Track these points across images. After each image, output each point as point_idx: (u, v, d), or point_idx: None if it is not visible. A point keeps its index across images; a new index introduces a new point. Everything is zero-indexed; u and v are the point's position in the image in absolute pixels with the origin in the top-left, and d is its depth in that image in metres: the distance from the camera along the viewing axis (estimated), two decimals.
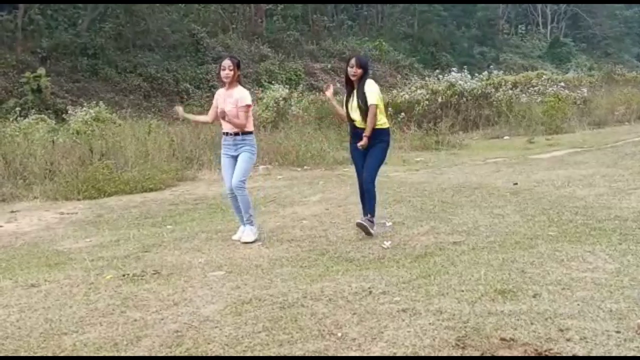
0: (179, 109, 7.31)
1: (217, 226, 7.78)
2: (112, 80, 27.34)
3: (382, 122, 6.92)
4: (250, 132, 6.92)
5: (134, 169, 11.82)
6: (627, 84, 29.32)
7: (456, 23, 53.15)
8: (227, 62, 6.85)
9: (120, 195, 10.67)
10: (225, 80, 6.84)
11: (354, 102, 6.88)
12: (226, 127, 6.91)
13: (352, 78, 6.85)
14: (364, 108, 6.77)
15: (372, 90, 6.81)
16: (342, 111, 7.22)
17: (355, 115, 6.88)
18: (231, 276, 5.48)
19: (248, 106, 6.83)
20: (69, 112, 17.04)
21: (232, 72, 6.79)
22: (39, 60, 26.37)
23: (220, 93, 7.00)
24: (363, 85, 6.82)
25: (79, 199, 10.40)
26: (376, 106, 6.76)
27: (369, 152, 6.87)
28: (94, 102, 17.46)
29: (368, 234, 6.77)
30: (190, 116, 7.52)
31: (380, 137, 6.88)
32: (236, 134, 6.85)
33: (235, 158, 6.89)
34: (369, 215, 6.91)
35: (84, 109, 16.19)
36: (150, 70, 28.43)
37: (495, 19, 59.34)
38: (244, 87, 7.07)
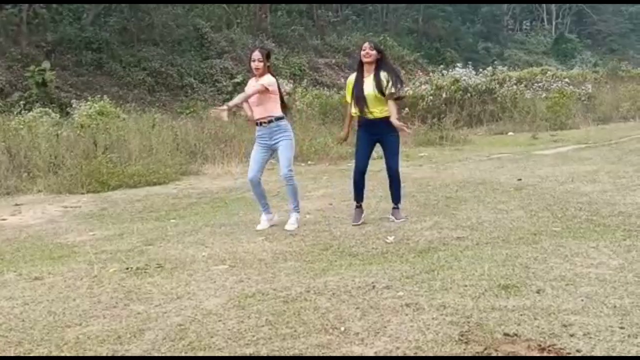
0: (222, 113, 7.00)
1: (220, 220, 7.79)
2: (117, 74, 27.33)
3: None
4: (282, 117, 6.99)
5: (138, 163, 11.84)
6: (632, 80, 29.28)
7: (461, 19, 53.13)
8: (256, 54, 6.95)
9: (124, 189, 10.69)
10: (255, 72, 6.95)
11: (366, 87, 6.91)
12: (258, 114, 6.97)
13: (365, 59, 6.88)
14: (379, 95, 6.86)
15: (387, 79, 6.91)
16: (348, 120, 7.35)
17: (363, 102, 6.91)
18: (234, 270, 5.48)
19: (263, 86, 6.83)
20: (73, 105, 17.05)
21: (261, 64, 6.89)
22: (43, 54, 26.35)
23: (250, 83, 7.10)
24: (379, 72, 6.86)
25: (82, 193, 10.41)
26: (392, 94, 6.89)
27: (384, 144, 7.07)
28: (98, 96, 17.49)
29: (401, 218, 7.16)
30: (232, 103, 7.24)
31: (390, 126, 6.95)
32: (270, 121, 6.91)
33: (269, 147, 6.97)
34: (398, 206, 7.26)
35: (88, 102, 16.21)
36: (155, 65, 28.41)
37: (500, 14, 59.28)
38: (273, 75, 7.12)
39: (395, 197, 7.27)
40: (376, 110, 6.91)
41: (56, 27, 28.79)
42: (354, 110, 7.05)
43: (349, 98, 7.16)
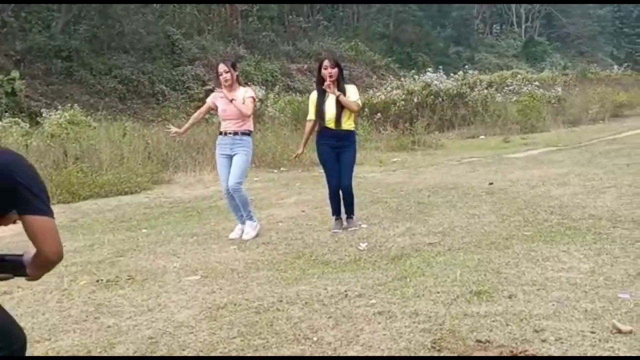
0: (172, 128, 7.55)
1: (192, 230, 7.73)
2: (87, 82, 27.05)
3: (352, 124, 7.09)
4: (249, 134, 7.01)
5: (109, 172, 11.71)
6: (600, 82, 29.69)
7: (432, 23, 53.36)
8: (222, 67, 6.98)
9: (95, 199, 10.57)
10: (225, 84, 6.91)
11: (329, 102, 6.93)
12: (225, 126, 7.00)
13: (330, 79, 6.87)
14: (340, 110, 6.89)
15: (355, 92, 7.03)
16: (306, 137, 7.44)
17: (330, 114, 6.93)
18: (206, 281, 5.44)
19: (253, 97, 6.94)
20: (43, 115, 16.84)
21: (229, 74, 6.87)
22: (12, 63, 26.00)
23: (220, 95, 7.02)
24: (343, 88, 6.89)
25: (53, 203, 10.12)
26: (358, 104, 7.03)
27: (341, 156, 7.06)
28: (69, 104, 17.25)
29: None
30: (185, 127, 7.59)
31: (349, 139, 7.09)
32: (235, 133, 6.93)
33: (230, 157, 6.96)
34: (352, 217, 7.25)
35: (59, 111, 16.01)
36: (126, 73, 28.17)
37: (470, 18, 59.66)
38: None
39: (348, 210, 7.26)
40: (339, 123, 6.97)
41: (25, 36, 28.45)
42: (329, 120, 7.03)
43: (312, 116, 7.18)
